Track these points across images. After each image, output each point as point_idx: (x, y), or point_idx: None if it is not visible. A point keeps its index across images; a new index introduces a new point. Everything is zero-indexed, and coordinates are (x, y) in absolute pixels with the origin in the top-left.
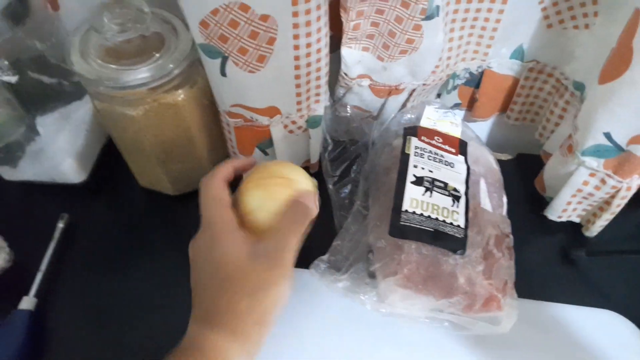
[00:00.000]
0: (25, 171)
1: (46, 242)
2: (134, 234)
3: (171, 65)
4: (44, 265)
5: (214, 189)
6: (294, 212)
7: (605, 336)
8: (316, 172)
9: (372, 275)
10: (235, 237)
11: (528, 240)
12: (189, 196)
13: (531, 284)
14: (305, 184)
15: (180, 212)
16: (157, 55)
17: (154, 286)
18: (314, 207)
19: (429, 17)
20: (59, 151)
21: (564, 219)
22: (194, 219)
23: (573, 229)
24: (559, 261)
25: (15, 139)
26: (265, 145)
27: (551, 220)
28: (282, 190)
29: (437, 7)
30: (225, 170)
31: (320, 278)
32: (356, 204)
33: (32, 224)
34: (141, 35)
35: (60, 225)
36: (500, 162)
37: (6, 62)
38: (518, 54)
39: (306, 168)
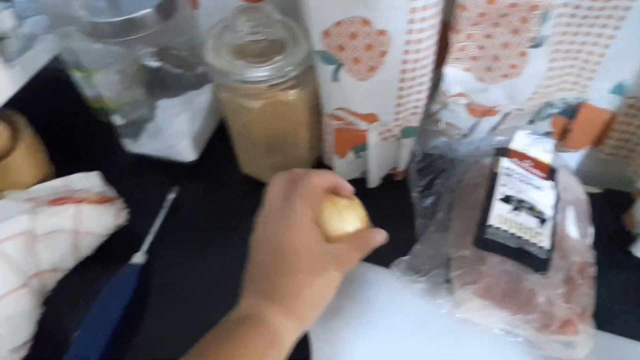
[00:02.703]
0: (145, 145)
1: (156, 208)
2: (229, 214)
3: (289, 68)
4: (154, 228)
5: (313, 188)
6: (367, 238)
7: None
8: (401, 180)
9: (448, 282)
10: (313, 230)
11: (611, 275)
12: None
13: (610, 319)
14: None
15: None
16: (279, 57)
17: (238, 263)
18: (375, 244)
19: (536, 45)
20: (178, 132)
21: None
22: None
23: None
24: None
25: (140, 116)
26: (360, 148)
27: (637, 258)
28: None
29: (545, 36)
30: (330, 180)
31: (400, 276)
32: (440, 213)
33: (145, 192)
34: (266, 39)
35: (171, 196)
36: (588, 194)
37: (151, 50)
38: (619, 90)
39: (392, 175)
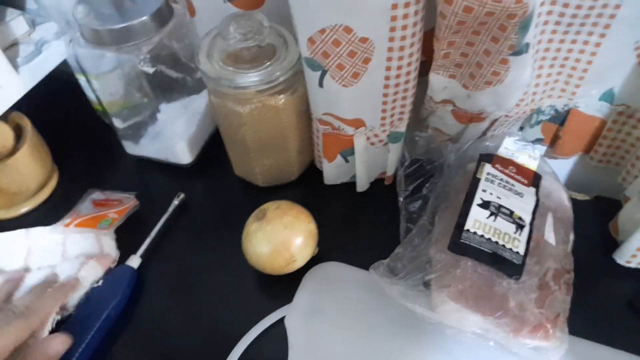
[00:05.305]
0: (145, 148)
1: (153, 210)
2: (224, 215)
3: (278, 73)
4: (153, 233)
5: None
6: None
7: None
8: (390, 185)
9: (426, 285)
10: None
11: (594, 282)
12: (274, 189)
13: (590, 326)
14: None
15: (265, 201)
16: (268, 63)
17: (234, 261)
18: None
19: (516, 53)
20: (175, 135)
21: (632, 265)
22: None
23: None
24: (623, 308)
25: (140, 120)
26: (348, 153)
27: (621, 265)
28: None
29: (527, 44)
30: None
31: (379, 279)
32: (423, 218)
33: (143, 194)
34: (258, 45)
35: (175, 202)
36: (576, 201)
37: (148, 56)
38: (608, 97)
39: (381, 180)
